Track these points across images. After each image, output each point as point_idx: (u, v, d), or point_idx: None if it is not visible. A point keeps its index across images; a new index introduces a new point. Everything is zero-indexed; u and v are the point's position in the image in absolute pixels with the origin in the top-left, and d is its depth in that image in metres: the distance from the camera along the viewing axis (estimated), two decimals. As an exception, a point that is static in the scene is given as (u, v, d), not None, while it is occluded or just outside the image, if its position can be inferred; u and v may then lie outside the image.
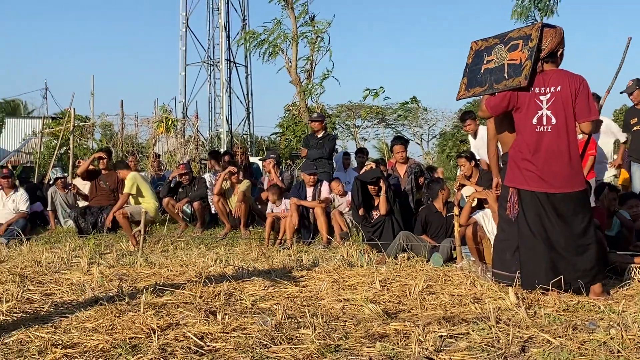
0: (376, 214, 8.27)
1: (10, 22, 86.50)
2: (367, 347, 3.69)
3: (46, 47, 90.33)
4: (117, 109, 16.12)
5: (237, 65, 31.40)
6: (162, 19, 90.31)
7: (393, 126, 33.36)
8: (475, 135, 9.34)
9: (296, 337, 3.90)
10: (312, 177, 9.50)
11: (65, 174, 11.68)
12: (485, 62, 5.39)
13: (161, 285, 5.56)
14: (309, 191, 9.51)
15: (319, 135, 10.68)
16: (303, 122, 18.79)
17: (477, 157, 8.60)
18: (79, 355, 3.61)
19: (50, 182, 12.11)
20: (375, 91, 17.14)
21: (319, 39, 17.90)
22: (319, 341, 3.76)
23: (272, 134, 35.43)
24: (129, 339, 3.92)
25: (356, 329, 4.09)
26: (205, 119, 31.78)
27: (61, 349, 3.69)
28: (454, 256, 7.12)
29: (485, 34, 5.70)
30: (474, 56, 5.53)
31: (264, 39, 18.38)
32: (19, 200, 10.76)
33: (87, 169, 10.82)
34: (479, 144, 8.96)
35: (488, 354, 3.53)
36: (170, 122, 15.78)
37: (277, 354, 3.56)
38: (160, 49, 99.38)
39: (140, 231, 8.60)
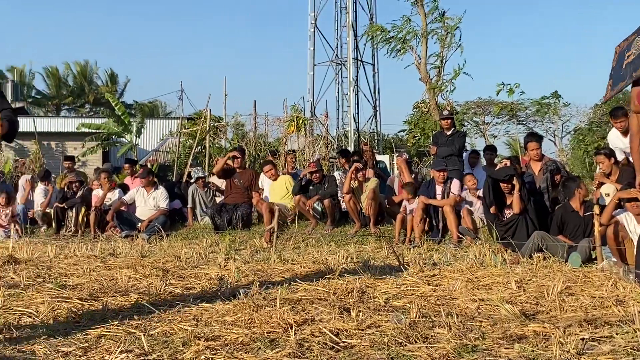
0: (509, 213, 8.04)
1: (152, 26, 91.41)
2: (505, 348, 3.60)
3: (182, 50, 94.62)
4: (247, 109, 16.71)
5: (364, 63, 31.53)
6: (291, 19, 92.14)
7: (525, 122, 32.29)
8: (626, 133, 8.79)
9: (431, 336, 3.86)
10: (441, 173, 9.38)
11: (205, 174, 12.14)
12: (625, 58, 5.19)
13: (295, 281, 5.69)
14: (439, 189, 9.39)
15: (448, 133, 10.54)
16: (432, 119, 18.57)
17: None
18: (221, 348, 3.75)
19: (192, 180, 12.61)
20: (510, 86, 16.60)
21: (450, 35, 17.59)
22: (455, 341, 3.71)
23: (399, 132, 35.30)
24: (267, 333, 4.03)
25: (493, 330, 4.00)
26: (333, 117, 32.14)
27: (204, 341, 3.85)
28: (593, 257, 6.81)
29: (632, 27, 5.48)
30: (617, 59, 5.37)
31: (392, 37, 18.29)
32: (159, 198, 11.34)
33: (222, 168, 11.25)
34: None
35: (634, 358, 3.35)
36: (300, 122, 16.10)
37: (413, 353, 3.54)
38: (289, 50, 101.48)
39: (273, 228, 8.83)
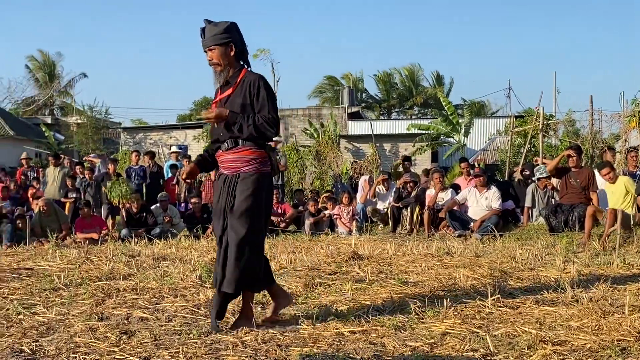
0: None
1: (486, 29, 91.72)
2: None
3: (507, 47, 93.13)
4: (582, 105, 15.79)
5: None
6: None
7: None
8: None
9: None
10: None
11: (545, 174, 11.71)
12: None
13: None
14: None
15: None
16: None
17: None
18: (568, 353, 3.66)
19: (535, 179, 12.16)
20: None
21: None
22: None
23: None
24: (616, 340, 3.83)
25: None
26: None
27: (550, 345, 3.78)
28: None
29: None
30: None
31: None
32: (492, 198, 11.34)
33: (556, 166, 10.86)
34: None
35: None
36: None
37: None
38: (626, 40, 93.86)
39: (613, 232, 8.29)
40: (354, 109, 32.13)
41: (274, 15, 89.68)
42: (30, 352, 3.83)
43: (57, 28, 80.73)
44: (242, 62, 4.57)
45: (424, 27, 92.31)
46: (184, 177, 4.79)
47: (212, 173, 13.39)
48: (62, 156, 17.62)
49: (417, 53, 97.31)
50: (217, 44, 4.43)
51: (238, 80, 4.47)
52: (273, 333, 4.24)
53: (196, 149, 29.10)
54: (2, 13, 79.63)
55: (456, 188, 12.46)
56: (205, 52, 4.48)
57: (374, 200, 13.23)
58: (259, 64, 32.67)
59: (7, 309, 5.07)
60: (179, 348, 3.87)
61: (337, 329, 4.36)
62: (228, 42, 4.44)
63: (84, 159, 19.26)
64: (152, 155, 15.31)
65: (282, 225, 12.33)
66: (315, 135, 25.76)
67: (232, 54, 4.47)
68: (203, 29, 4.46)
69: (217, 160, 4.59)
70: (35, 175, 15.82)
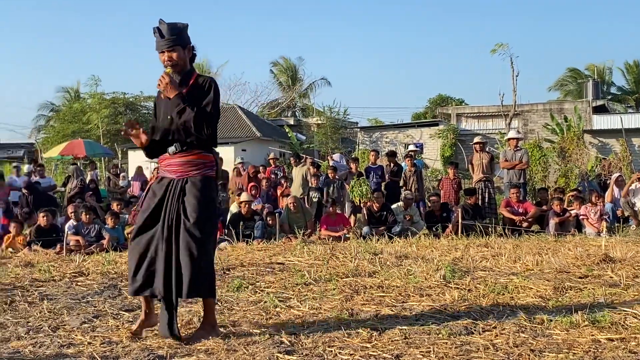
0: None
1: None
2: None
3: None
4: None
5: None
6: None
7: None
8: None
9: None
10: None
11: None
12: None
13: None
14: None
15: None
16: None
17: None
18: None
19: None
20: None
21: None
22: None
23: None
24: None
25: None
26: None
27: None
28: None
29: None
30: None
31: None
32: None
33: None
34: None
35: None
36: None
37: None
38: None
39: None
40: (599, 102, 30.01)
41: (513, 7, 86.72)
42: (289, 343, 4.07)
43: (298, 34, 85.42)
44: (192, 65, 4.56)
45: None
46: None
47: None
48: (304, 156, 18.54)
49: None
50: (178, 44, 4.39)
51: (191, 82, 4.45)
52: (525, 337, 4.10)
53: (432, 147, 29.14)
54: (251, 24, 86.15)
55: None
56: (162, 52, 4.39)
57: (629, 198, 12.31)
58: (497, 59, 31.82)
59: (265, 302, 5.45)
60: (429, 347, 3.88)
61: (592, 335, 4.16)
62: (187, 44, 4.46)
63: (327, 158, 20.11)
64: (392, 154, 15.53)
65: (525, 224, 11.88)
66: (557, 131, 24.51)
67: (190, 56, 4.49)
68: (159, 29, 4.37)
69: (160, 163, 4.54)
70: (281, 174, 16.77)
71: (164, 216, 4.29)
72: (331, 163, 16.13)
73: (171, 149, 4.43)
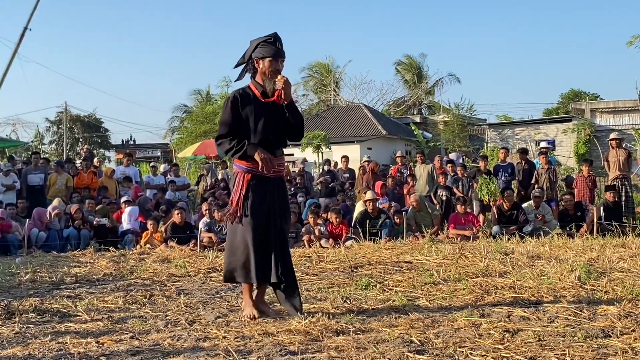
0: None
1: None
2: None
3: None
4: None
5: None
6: None
7: None
8: None
9: None
10: None
11: None
12: None
13: None
14: None
15: None
16: None
17: None
18: None
19: None
20: None
21: None
22: None
23: None
24: None
25: None
26: None
27: None
28: None
29: None
30: None
31: None
32: None
33: None
34: None
35: None
36: None
37: None
38: None
39: None
40: None
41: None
42: (419, 343, 4.04)
43: (421, 31, 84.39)
44: None
45: None
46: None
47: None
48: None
49: None
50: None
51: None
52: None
53: (566, 143, 28.03)
54: (373, 22, 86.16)
55: None
56: (281, 61, 4.80)
57: None
58: (634, 52, 29.96)
59: (394, 300, 5.45)
60: (564, 350, 3.75)
61: None
62: None
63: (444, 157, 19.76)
64: (524, 152, 15.05)
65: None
66: None
67: None
68: (280, 38, 4.79)
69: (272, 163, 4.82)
70: (408, 172, 16.63)
71: (268, 212, 4.82)
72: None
73: (278, 150, 4.93)
